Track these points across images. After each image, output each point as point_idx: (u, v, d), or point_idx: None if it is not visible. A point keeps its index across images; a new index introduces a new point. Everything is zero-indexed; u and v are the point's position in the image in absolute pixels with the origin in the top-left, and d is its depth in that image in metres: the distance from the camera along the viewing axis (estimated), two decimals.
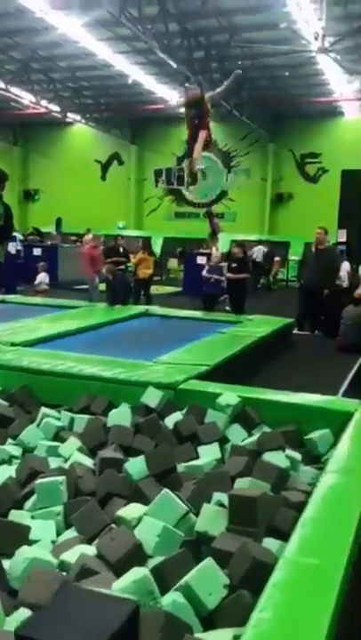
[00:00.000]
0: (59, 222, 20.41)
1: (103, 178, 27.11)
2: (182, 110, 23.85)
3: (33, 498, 3.03)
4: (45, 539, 2.69)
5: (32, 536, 2.65)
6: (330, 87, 19.64)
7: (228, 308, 10.95)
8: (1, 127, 27.10)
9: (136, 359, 5.20)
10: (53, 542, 2.70)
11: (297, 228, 21.61)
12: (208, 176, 24.27)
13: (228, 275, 10.54)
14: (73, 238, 22.08)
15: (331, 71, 17.44)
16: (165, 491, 2.73)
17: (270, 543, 2.48)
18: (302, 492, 2.99)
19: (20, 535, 2.59)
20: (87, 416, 4.09)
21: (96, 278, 11.38)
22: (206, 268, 11.25)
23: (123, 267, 11.54)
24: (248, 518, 2.53)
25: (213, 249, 11.83)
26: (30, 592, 2.03)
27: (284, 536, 2.43)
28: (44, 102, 22.09)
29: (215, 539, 2.48)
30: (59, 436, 3.92)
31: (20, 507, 3.02)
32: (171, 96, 21.25)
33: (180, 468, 3.35)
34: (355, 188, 12.82)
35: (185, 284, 16.59)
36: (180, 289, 16.46)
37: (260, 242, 19.14)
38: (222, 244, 21.39)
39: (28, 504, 3.03)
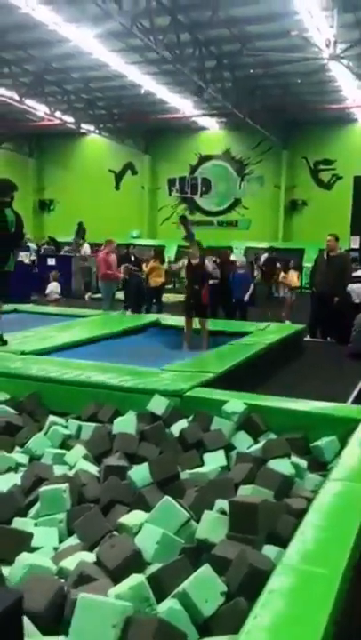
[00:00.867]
0: (80, 227, 19.96)
1: (117, 187, 27.29)
2: (194, 119, 23.95)
3: (37, 505, 3.06)
4: (47, 546, 2.71)
5: (34, 543, 2.67)
6: (343, 94, 19.60)
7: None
8: (16, 139, 27.43)
9: (145, 367, 5.21)
10: (55, 549, 2.71)
11: (311, 235, 21.53)
12: (221, 184, 24.37)
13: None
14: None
15: (343, 78, 17.42)
16: (166, 498, 2.73)
17: (270, 550, 2.47)
18: (305, 499, 2.98)
19: (22, 542, 2.61)
20: (94, 424, 4.12)
21: (114, 286, 11.14)
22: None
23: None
24: (249, 525, 2.53)
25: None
26: (27, 598, 2.04)
27: (285, 543, 2.42)
28: (58, 114, 22.32)
29: (215, 546, 2.48)
30: (66, 443, 3.95)
31: (24, 514, 3.05)
32: (183, 105, 21.41)
33: (185, 475, 3.36)
34: None
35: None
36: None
37: (271, 249, 18.99)
38: (237, 252, 21.49)
39: (33, 511, 3.06)
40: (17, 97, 19.73)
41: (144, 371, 5.05)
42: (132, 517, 2.81)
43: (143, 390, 4.43)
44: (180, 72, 15.92)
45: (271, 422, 4.04)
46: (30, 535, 2.67)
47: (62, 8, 13.44)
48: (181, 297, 14.85)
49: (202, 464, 3.59)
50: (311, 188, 24.03)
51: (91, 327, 7.57)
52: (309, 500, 2.86)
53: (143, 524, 2.63)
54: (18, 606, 1.59)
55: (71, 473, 3.41)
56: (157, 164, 26.27)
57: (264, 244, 20.54)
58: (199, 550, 2.55)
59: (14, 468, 3.61)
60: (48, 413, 4.37)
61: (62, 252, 19.25)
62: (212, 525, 2.62)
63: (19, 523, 2.89)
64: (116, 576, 2.25)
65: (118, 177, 27.17)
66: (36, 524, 2.89)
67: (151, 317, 9.16)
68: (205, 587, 2.13)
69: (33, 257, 17.71)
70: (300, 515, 2.67)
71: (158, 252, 13.45)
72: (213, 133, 24.99)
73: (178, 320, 8.82)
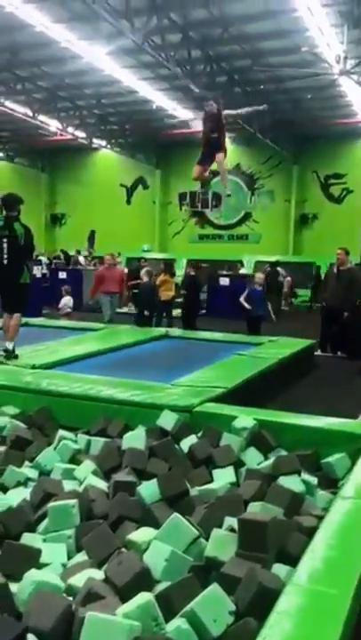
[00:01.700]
0: (92, 236, 19.92)
1: (128, 202, 27.48)
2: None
3: (46, 521, 3.05)
4: (56, 562, 2.69)
5: (43, 559, 2.66)
6: (353, 108, 19.68)
7: None
8: (29, 154, 27.76)
9: (154, 381, 5.21)
10: (64, 566, 2.70)
11: (322, 249, 21.51)
12: (232, 198, 24.48)
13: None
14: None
15: (353, 93, 17.50)
16: (175, 515, 2.71)
17: (280, 569, 2.44)
18: (316, 516, 2.95)
19: (31, 558, 2.60)
20: (103, 439, 4.11)
21: (104, 298, 10.95)
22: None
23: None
24: (258, 543, 2.50)
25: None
26: (34, 616, 2.03)
27: (295, 561, 2.39)
28: (70, 129, 22.60)
29: (224, 564, 2.45)
30: (75, 458, 3.94)
31: (33, 529, 3.03)
32: (194, 120, 21.54)
33: (194, 491, 3.33)
34: None
35: (208, 306, 16.58)
36: (203, 311, 16.46)
37: (276, 263, 18.91)
38: (247, 266, 21.49)
39: (41, 527, 3.05)
40: (30, 113, 20.01)
41: (154, 385, 5.05)
42: (141, 534, 2.79)
43: (153, 405, 4.42)
44: (191, 88, 16.06)
45: (281, 438, 4.02)
46: (39, 551, 2.65)
47: (75, 26, 13.67)
48: None
49: (211, 480, 3.56)
50: (322, 202, 24.06)
51: (101, 340, 7.58)
52: (320, 518, 2.84)
53: (152, 542, 2.61)
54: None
55: (80, 488, 3.39)
56: (168, 178, 26.43)
57: (274, 258, 20.52)
58: (208, 568, 2.53)
59: (24, 482, 3.60)
60: (58, 428, 4.37)
61: (70, 266, 19.43)
62: (221, 543, 2.60)
63: (27, 538, 2.88)
64: (125, 594, 2.23)
65: (130, 191, 27.36)
66: (44, 540, 2.87)
67: (160, 331, 9.17)
68: (214, 606, 2.10)
69: (44, 270, 17.84)
70: (310, 533, 2.65)
71: (169, 266, 13.47)
72: None
73: (187, 333, 8.85)
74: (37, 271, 16.33)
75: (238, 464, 3.76)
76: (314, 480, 3.50)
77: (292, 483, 3.30)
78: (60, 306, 13.33)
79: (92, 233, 20.09)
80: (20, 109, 19.83)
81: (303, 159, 23.99)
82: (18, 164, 28.34)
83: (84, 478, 3.53)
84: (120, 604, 2.13)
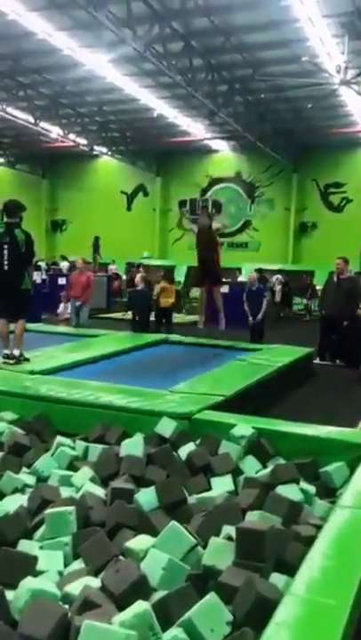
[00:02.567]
0: (96, 243, 19.84)
1: (129, 209, 27.54)
2: (205, 142, 24.30)
3: (42, 528, 3.03)
4: (52, 569, 2.67)
5: (39, 567, 2.64)
6: (353, 118, 19.77)
7: None
8: (30, 160, 27.83)
9: (153, 388, 5.19)
10: (60, 573, 2.68)
11: (321, 258, 21.55)
12: (231, 206, 24.55)
13: None
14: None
15: (354, 103, 17.59)
16: (173, 523, 2.70)
17: (278, 578, 2.43)
18: (314, 525, 2.93)
19: (27, 566, 2.58)
20: (101, 445, 4.09)
21: (71, 303, 11.34)
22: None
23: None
24: (256, 552, 2.49)
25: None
26: (29, 624, 2.01)
27: (293, 571, 2.38)
28: (71, 136, 22.67)
29: (222, 573, 2.44)
30: (72, 465, 3.92)
31: (29, 536, 3.01)
32: (195, 128, 21.67)
33: (192, 499, 3.32)
34: None
35: (207, 313, 16.53)
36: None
37: (281, 271, 18.95)
38: (246, 274, 21.50)
39: (38, 534, 3.03)
40: (32, 119, 20.08)
41: (152, 392, 5.03)
42: (139, 542, 2.77)
43: (151, 412, 4.40)
44: (192, 96, 16.14)
45: (280, 447, 4.00)
46: (35, 559, 2.63)
47: (78, 34, 13.75)
48: (192, 317, 14.94)
49: (209, 488, 3.54)
50: (321, 210, 24.13)
51: (99, 346, 7.57)
52: (318, 527, 2.82)
53: (149, 550, 2.59)
54: None
55: (78, 495, 3.37)
56: (169, 186, 26.51)
57: (273, 266, 20.54)
58: (205, 577, 2.51)
59: (21, 489, 3.58)
60: (55, 434, 4.35)
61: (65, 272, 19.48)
62: (218, 552, 2.58)
63: (24, 545, 2.86)
64: (121, 602, 2.21)
65: (130, 198, 27.44)
66: (41, 547, 2.85)
67: (159, 336, 9.16)
68: (211, 615, 2.09)
69: (44, 276, 17.85)
70: (308, 542, 2.63)
71: (168, 273, 13.48)
72: (224, 156, 25.21)
73: (186, 339, 8.84)
74: (37, 277, 16.35)
75: (236, 472, 3.74)
76: (312, 489, 3.49)
77: (290, 491, 3.28)
78: (58, 311, 13.33)
79: (97, 239, 20.06)
80: (21, 116, 19.90)
81: (303, 168, 24.08)
82: (19, 170, 28.41)
83: (81, 485, 3.51)
84: (117, 613, 2.11)
